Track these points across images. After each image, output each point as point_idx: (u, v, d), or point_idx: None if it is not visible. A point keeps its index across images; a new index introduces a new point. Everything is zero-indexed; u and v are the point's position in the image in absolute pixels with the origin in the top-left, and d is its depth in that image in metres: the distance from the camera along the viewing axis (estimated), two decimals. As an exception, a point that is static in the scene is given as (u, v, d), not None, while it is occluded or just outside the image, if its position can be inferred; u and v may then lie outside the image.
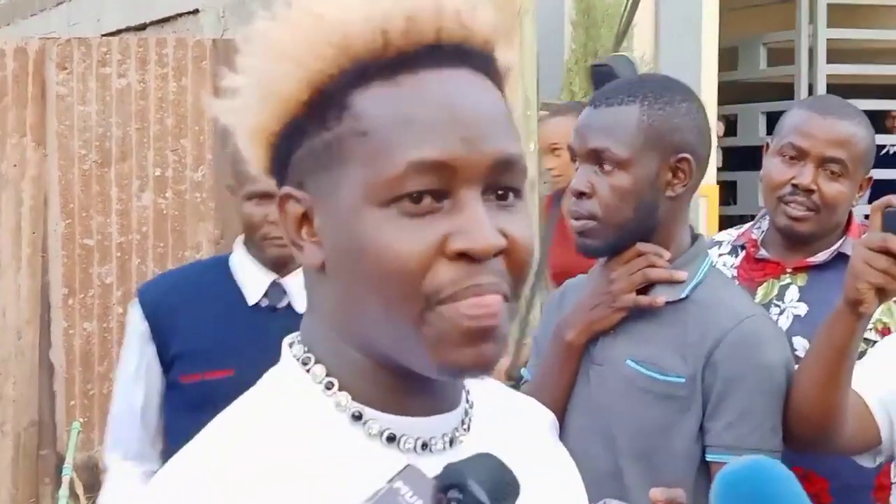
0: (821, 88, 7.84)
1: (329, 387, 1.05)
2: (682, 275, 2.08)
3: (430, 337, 0.99)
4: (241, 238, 2.78)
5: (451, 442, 1.07)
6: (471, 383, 1.14)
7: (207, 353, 2.67)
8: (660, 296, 2.09)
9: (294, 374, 1.08)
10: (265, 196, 2.59)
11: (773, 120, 8.31)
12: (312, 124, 1.03)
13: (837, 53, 8.20)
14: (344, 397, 1.05)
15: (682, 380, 2.03)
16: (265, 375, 1.12)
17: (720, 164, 9.60)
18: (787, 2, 8.16)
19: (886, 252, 1.86)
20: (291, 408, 1.06)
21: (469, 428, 1.09)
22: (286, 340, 1.12)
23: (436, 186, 0.99)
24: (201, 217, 5.33)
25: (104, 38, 6.04)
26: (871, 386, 2.09)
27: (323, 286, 1.06)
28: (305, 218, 1.05)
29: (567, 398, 2.15)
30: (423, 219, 0.99)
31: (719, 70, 7.44)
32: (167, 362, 2.71)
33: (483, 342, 1.00)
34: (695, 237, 2.16)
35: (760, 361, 2.03)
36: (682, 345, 2.05)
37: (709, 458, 2.03)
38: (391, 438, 1.04)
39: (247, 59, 1.05)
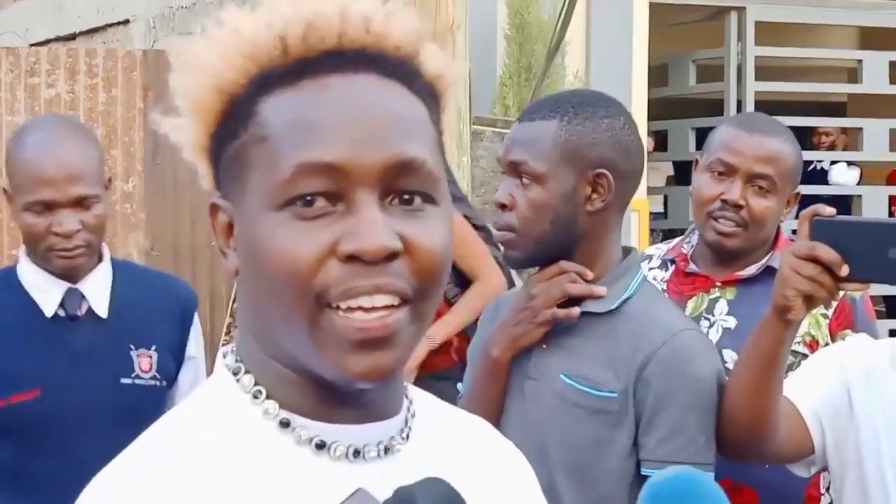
0: (749, 105, 7.93)
1: (257, 395, 1.05)
2: (601, 290, 2.10)
3: (323, 341, 0.99)
4: (24, 248, 2.57)
5: (387, 450, 1.06)
6: (413, 392, 1.14)
7: (7, 375, 2.46)
8: (594, 306, 2.10)
9: (225, 383, 1.07)
10: (47, 206, 2.44)
11: (702, 135, 8.37)
12: (227, 134, 1.04)
13: (765, 71, 8.31)
14: (272, 405, 1.05)
15: (615, 395, 2.04)
16: (199, 386, 1.11)
17: (672, 173, 9.69)
18: (715, 20, 8.26)
19: (814, 260, 1.88)
20: (221, 418, 1.05)
21: (408, 437, 1.08)
22: (221, 350, 1.11)
23: (328, 189, 0.99)
24: (132, 228, 5.28)
25: (33, 47, 5.97)
26: (804, 394, 2.12)
27: (240, 294, 1.08)
28: (230, 227, 1.06)
29: (497, 413, 2.15)
30: (315, 221, 0.99)
31: (649, 86, 7.51)
32: None
33: (378, 350, 0.99)
34: (627, 251, 2.18)
35: (692, 376, 2.04)
36: (614, 359, 2.06)
37: (643, 472, 2.04)
38: (321, 445, 1.04)
39: (174, 75, 1.06)
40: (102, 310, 2.56)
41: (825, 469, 2.18)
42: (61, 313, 2.53)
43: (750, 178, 2.52)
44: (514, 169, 2.09)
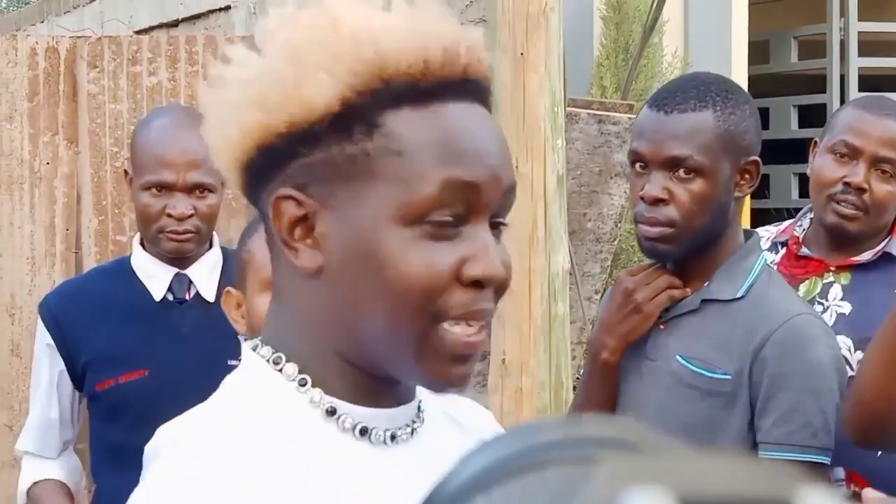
0: (853, 81, 7.78)
1: (303, 384, 1.09)
2: (688, 290, 2.10)
3: (427, 352, 1.04)
4: (136, 236, 2.72)
5: (413, 432, 1.12)
6: None
7: (117, 356, 2.59)
8: (720, 293, 2.08)
9: (263, 372, 1.10)
10: (164, 187, 2.54)
11: (804, 113, 8.27)
12: (334, 135, 1.04)
13: (869, 46, 8.14)
14: (317, 393, 1.08)
15: (728, 377, 2.04)
16: (227, 379, 1.15)
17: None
18: (817, -6, 8.11)
19: None
20: (266, 407, 1.08)
21: (424, 419, 1.14)
22: (247, 344, 1.14)
23: (460, 212, 1.04)
24: (233, 213, 5.34)
25: (134, 36, 6.06)
26: None
27: (310, 289, 1.08)
28: (303, 221, 1.07)
29: (612, 408, 2.18)
30: (442, 242, 1.04)
31: (750, 63, 7.38)
32: (79, 373, 2.64)
33: (469, 363, 1.07)
34: (748, 234, 2.17)
35: (809, 359, 2.02)
36: (729, 341, 2.05)
37: (761, 455, 2.02)
38: (363, 431, 1.09)
39: (268, 59, 1.06)
40: (210, 294, 2.64)
41: None
42: (170, 297, 2.63)
43: (874, 161, 2.47)
44: (673, 163, 2.05)
